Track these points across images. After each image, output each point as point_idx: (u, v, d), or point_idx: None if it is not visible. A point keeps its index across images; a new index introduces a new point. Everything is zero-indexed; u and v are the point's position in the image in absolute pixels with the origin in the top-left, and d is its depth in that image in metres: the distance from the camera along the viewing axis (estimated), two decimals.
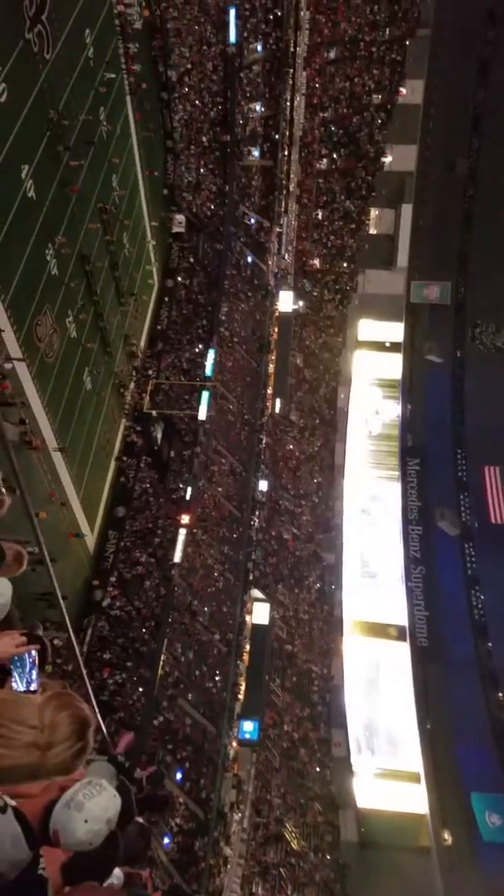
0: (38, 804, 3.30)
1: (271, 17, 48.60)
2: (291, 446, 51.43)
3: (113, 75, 34.18)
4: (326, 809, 39.98)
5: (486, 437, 44.73)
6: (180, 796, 31.93)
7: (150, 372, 42.43)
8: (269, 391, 50.70)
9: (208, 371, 44.19)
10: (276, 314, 52.30)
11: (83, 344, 32.25)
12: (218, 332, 47.02)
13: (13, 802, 3.19)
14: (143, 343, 43.19)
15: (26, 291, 25.69)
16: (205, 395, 42.99)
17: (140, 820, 5.28)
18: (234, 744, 36.73)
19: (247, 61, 49.37)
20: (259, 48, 49.40)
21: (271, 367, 51.20)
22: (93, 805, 3.20)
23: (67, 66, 28.62)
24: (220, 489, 43.77)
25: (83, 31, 30.47)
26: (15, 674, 4.05)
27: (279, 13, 47.94)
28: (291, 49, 47.99)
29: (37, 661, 4.18)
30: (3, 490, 7.03)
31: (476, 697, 40.57)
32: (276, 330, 52.12)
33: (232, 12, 46.67)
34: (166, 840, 30.10)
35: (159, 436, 40.55)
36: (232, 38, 47.34)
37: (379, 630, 46.04)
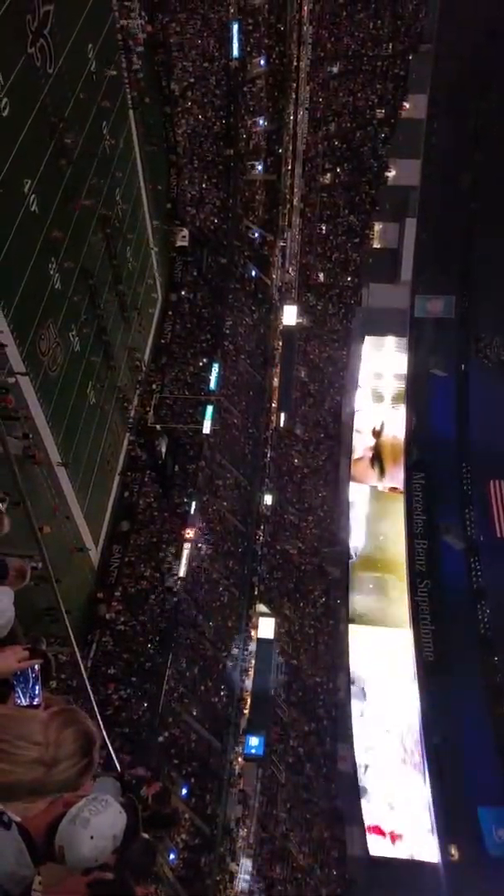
0: (42, 820, 3.24)
1: (274, 31, 48.97)
2: (296, 460, 51.35)
3: (114, 73, 34.22)
4: (332, 824, 39.65)
5: (491, 451, 44.66)
6: (186, 812, 31.68)
7: (154, 386, 42.50)
8: (274, 405, 50.71)
9: (212, 385, 44.24)
10: (280, 328, 52.39)
11: (86, 358, 32.27)
12: (222, 346, 47.10)
13: (17, 818, 3.14)
14: (146, 357, 43.28)
15: (29, 305, 25.71)
16: (209, 409, 42.99)
17: (145, 836, 5.20)
18: (240, 759, 36.47)
19: (250, 76, 49.77)
20: (262, 62, 49.80)
21: (276, 381, 51.24)
22: (98, 821, 3.14)
23: (70, 81, 28.80)
24: (224, 503, 43.69)
25: (86, 46, 30.70)
26: (18, 689, 3.99)
27: (282, 28, 48.38)
28: (294, 63, 48.43)
29: (40, 676, 4.12)
30: (3, 508, 6.98)
31: (482, 711, 40.30)
32: (281, 344, 52.20)
33: (235, 27, 47.14)
34: (172, 856, 29.84)
35: (163, 450, 40.56)
36: (235, 52, 47.79)
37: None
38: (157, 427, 40.66)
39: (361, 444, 51.42)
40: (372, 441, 51.17)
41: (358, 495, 50.15)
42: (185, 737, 34.15)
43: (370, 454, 51.07)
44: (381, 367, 52.45)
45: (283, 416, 50.40)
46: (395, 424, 50.83)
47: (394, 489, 49.75)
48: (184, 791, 32.27)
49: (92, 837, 3.09)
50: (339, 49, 49.95)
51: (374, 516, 49.83)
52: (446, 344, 48.60)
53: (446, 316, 48.12)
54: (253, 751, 36.74)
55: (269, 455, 48.17)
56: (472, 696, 40.61)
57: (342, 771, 41.44)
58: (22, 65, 24.13)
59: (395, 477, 49.81)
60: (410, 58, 48.75)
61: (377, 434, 51.19)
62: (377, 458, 50.78)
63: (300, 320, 52.94)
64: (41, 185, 26.06)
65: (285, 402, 50.74)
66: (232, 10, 46.99)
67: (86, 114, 31.01)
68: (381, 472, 50.38)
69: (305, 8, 48.10)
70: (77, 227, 30.34)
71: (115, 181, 35.66)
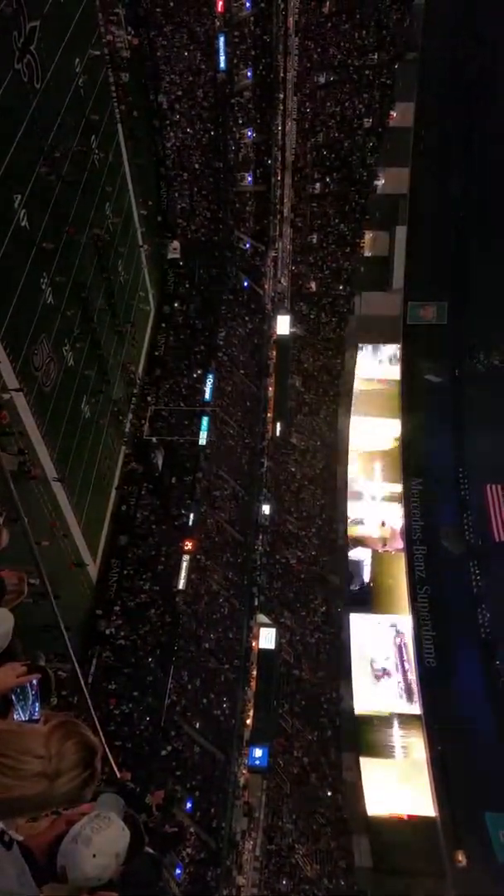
0: (44, 839, 3.19)
1: (260, 43, 49.25)
2: (293, 469, 51.32)
3: (97, 52, 34.21)
4: (339, 834, 39.38)
5: (487, 456, 44.76)
6: (191, 826, 31.44)
7: (149, 398, 42.49)
8: (270, 414, 50.71)
9: (207, 396, 44.25)
10: (274, 337, 52.46)
11: (81, 372, 32.27)
12: (216, 357, 47.14)
13: (20, 837, 3.09)
14: (141, 370, 43.29)
15: (22, 321, 25.72)
16: (205, 420, 42.99)
17: (150, 851, 5.13)
18: (245, 771, 36.25)
19: (237, 87, 50.01)
20: (249, 74, 50.04)
21: (271, 391, 51.26)
22: (101, 839, 3.09)
23: (57, 96, 28.94)
24: (222, 514, 43.60)
25: (73, 61, 30.85)
26: (17, 704, 3.95)
27: (268, 39, 48.63)
28: (281, 75, 48.64)
29: (39, 692, 4.08)
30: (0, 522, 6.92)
31: (486, 715, 40.18)
32: (275, 353, 52.26)
33: (221, 39, 47.40)
34: (178, 871, 29.59)
35: (160, 462, 40.51)
36: (222, 64, 48.04)
37: None
38: (153, 439, 40.64)
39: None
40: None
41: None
42: (189, 750, 33.95)
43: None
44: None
45: (278, 425, 50.38)
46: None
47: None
48: (188, 805, 32.05)
49: (95, 856, 3.04)
50: (325, 59, 50.24)
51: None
52: (440, 349, 48.73)
53: (439, 322, 48.27)
54: (257, 762, 36.54)
55: (265, 465, 48.11)
56: (474, 701, 40.50)
57: (347, 780, 41.22)
58: (9, 81, 24.26)
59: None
60: (396, 66, 49.02)
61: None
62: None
63: (294, 329, 53.02)
64: (31, 199, 26.13)
65: (281, 412, 50.74)
66: (218, 23, 47.26)
67: (74, 128, 31.14)
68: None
69: (291, 19, 48.40)
70: (68, 242, 30.41)
71: (105, 195, 35.76)
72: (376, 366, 52.98)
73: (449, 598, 44.12)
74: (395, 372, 51.54)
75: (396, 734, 43.01)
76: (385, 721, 43.37)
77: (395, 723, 43.32)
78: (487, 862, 36.93)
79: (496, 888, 36.28)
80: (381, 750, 42.58)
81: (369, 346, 53.01)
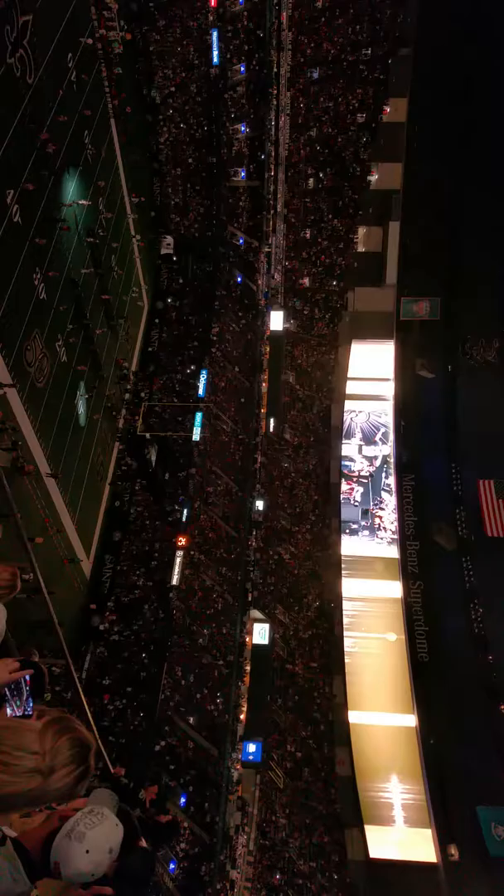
0: (38, 835, 3.20)
1: (254, 38, 49.14)
2: (286, 465, 51.36)
3: (90, 40, 34.12)
4: (332, 828, 39.54)
5: (479, 451, 44.86)
6: (185, 821, 31.53)
7: (143, 394, 42.45)
8: (263, 410, 50.70)
9: (201, 392, 44.24)
10: (268, 333, 52.44)
11: (74, 367, 32.22)
12: (209, 353, 47.12)
13: (13, 834, 3.10)
14: (134, 365, 43.23)
15: (14, 316, 25.65)
16: (198, 416, 43.00)
17: (144, 845, 5.14)
18: (238, 766, 36.35)
19: (230, 83, 49.90)
20: (242, 69, 49.93)
21: (264, 387, 51.26)
22: (94, 835, 3.10)
23: (51, 91, 28.81)
24: (216, 510, 43.63)
25: (65, 56, 30.72)
26: (11, 700, 3.97)
27: (261, 34, 48.51)
28: (275, 70, 48.53)
29: (32, 687, 4.09)
30: None
31: (478, 710, 40.32)
32: (268, 349, 52.24)
33: (214, 34, 47.32)
34: (172, 865, 29.70)
35: (154, 458, 40.49)
36: (215, 59, 47.96)
37: None
38: (147, 435, 40.59)
39: None
40: None
41: None
42: (182, 745, 34.03)
43: None
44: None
45: (272, 421, 50.41)
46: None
47: None
48: (182, 800, 32.14)
49: (88, 851, 3.05)
50: (318, 54, 50.13)
51: None
52: (433, 345, 48.77)
53: (432, 317, 48.31)
54: (251, 757, 36.68)
55: (259, 460, 48.13)
56: (467, 695, 40.65)
57: (341, 775, 41.36)
58: (2, 75, 24.12)
59: None
60: (390, 62, 48.97)
61: None
62: None
63: (287, 325, 53.02)
64: (24, 195, 26.03)
65: (274, 408, 50.76)
66: (211, 18, 47.13)
67: (67, 123, 31.01)
68: None
69: (284, 14, 48.27)
70: (61, 237, 30.32)
71: (98, 190, 35.65)
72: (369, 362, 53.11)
73: (442, 593, 44.25)
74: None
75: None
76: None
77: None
78: (479, 856, 37.10)
79: (488, 881, 36.42)
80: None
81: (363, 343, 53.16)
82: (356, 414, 52.78)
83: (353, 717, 43.10)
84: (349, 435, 52.43)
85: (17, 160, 25.61)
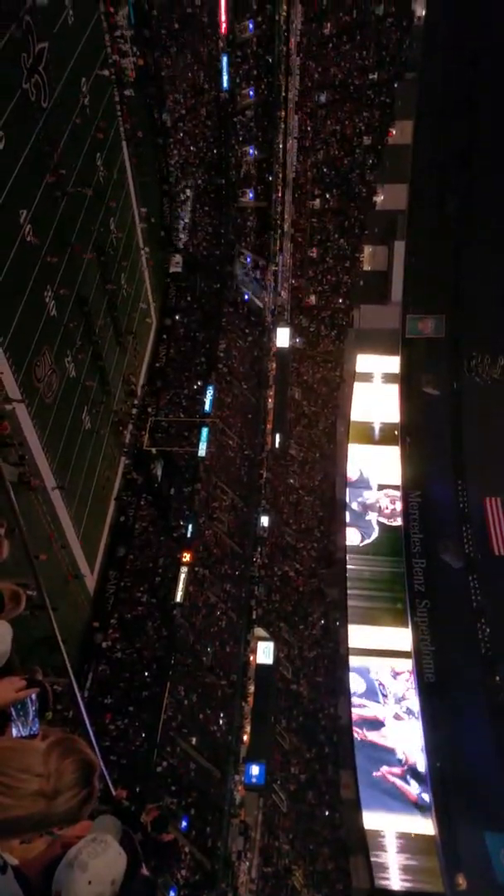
0: (39, 863, 3.14)
1: (262, 63, 49.67)
2: (292, 481, 51.29)
3: (105, 73, 34.52)
4: (337, 855, 38.97)
5: (486, 469, 44.66)
6: (186, 846, 31.08)
7: (150, 409, 42.52)
8: (269, 426, 50.72)
9: (207, 407, 44.30)
10: (274, 350, 52.59)
11: (82, 383, 32.35)
12: (216, 369, 47.25)
13: (14, 861, 3.05)
14: (141, 381, 43.37)
15: (25, 333, 25.82)
16: (204, 431, 43.03)
17: (146, 873, 5.07)
18: (241, 788, 35.85)
19: (239, 106, 50.41)
20: (251, 93, 50.45)
21: (270, 403, 51.32)
22: (97, 864, 3.00)
23: (64, 114, 29.17)
24: (221, 526, 43.52)
25: (79, 81, 31.11)
26: (17, 720, 3.93)
27: (270, 59, 49.03)
28: (283, 94, 49.00)
29: (37, 706, 4.06)
30: (2, 533, 6.90)
31: (486, 732, 39.83)
32: (275, 365, 52.37)
33: (224, 59, 47.87)
34: (172, 893, 29.17)
35: (159, 473, 40.47)
36: (224, 84, 48.48)
37: None
38: (153, 450, 40.60)
39: None
40: None
41: None
42: (184, 766, 33.65)
43: None
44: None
45: (278, 436, 50.40)
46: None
47: None
48: (184, 823, 31.68)
49: (90, 882, 2.95)
50: (326, 79, 50.70)
51: None
52: (438, 363, 48.79)
53: (437, 335, 48.39)
54: (254, 779, 36.06)
55: (264, 476, 48.07)
56: (474, 717, 40.19)
57: (345, 798, 40.86)
58: (17, 100, 24.46)
59: None
60: (396, 85, 49.50)
61: None
62: None
63: (293, 342, 53.17)
64: (36, 215, 26.29)
65: (280, 423, 50.78)
66: (221, 44, 47.70)
67: (80, 146, 31.38)
68: None
69: (293, 40, 48.81)
70: (72, 256, 30.56)
71: (110, 210, 35.97)
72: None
73: (448, 613, 43.90)
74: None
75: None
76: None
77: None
78: (488, 884, 36.49)
79: None
80: None
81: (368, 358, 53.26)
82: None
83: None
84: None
85: (30, 181, 25.90)
